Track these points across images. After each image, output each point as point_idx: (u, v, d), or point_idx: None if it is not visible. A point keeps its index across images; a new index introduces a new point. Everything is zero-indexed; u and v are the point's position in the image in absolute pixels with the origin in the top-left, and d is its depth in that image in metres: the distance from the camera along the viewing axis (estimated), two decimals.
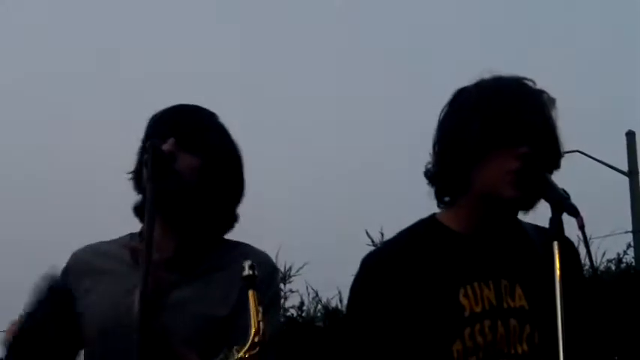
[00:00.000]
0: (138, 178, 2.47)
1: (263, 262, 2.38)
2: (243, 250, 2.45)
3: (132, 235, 2.51)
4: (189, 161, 2.39)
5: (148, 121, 2.50)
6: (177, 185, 2.36)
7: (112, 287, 2.39)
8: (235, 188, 2.49)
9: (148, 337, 2.18)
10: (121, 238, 2.52)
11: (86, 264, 2.47)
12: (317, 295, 11.81)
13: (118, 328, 2.30)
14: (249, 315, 2.05)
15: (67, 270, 2.50)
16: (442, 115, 2.43)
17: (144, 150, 2.41)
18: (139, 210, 2.48)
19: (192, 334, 2.30)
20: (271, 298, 2.37)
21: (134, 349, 2.12)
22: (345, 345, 2.38)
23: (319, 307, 12.39)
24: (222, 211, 2.47)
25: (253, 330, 2.04)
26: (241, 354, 2.05)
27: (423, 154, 2.46)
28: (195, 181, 2.39)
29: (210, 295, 2.37)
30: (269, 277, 2.40)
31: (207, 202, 2.42)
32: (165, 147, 2.35)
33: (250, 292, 2.05)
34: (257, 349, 2.05)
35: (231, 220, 2.50)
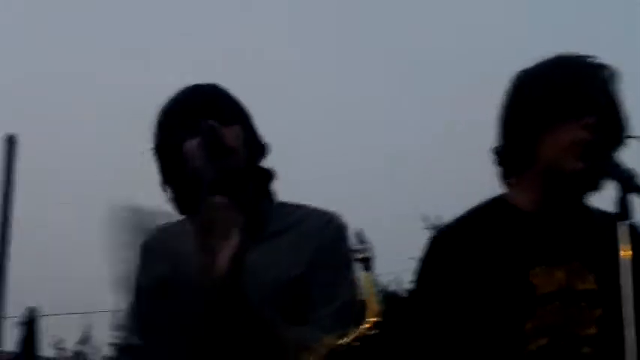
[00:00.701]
0: (173, 168, 2.44)
1: (331, 221, 2.41)
2: (308, 210, 2.46)
3: (184, 218, 2.51)
4: (232, 135, 2.41)
5: (161, 110, 2.48)
6: (236, 162, 2.39)
7: (185, 261, 2.39)
8: (266, 151, 2.51)
9: (232, 301, 2.23)
10: (185, 217, 2.52)
11: (159, 245, 2.50)
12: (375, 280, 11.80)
13: (196, 297, 2.31)
14: (365, 296, 2.06)
15: (140, 253, 2.54)
16: (506, 93, 2.42)
17: (189, 134, 2.40)
18: (183, 199, 2.47)
19: (265, 298, 2.30)
20: (345, 256, 2.32)
21: (215, 313, 2.21)
22: (410, 322, 2.39)
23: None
24: (265, 174, 2.49)
25: (372, 312, 2.04)
26: (361, 331, 2.06)
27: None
28: (245, 153, 2.43)
29: (279, 258, 2.37)
30: (340, 235, 2.40)
31: (254, 169, 2.46)
32: (213, 125, 2.37)
33: (365, 275, 2.05)
34: (372, 328, 2.06)
35: (274, 181, 2.50)
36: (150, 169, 2.49)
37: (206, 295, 2.22)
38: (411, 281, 2.49)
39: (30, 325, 18.58)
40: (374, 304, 2.06)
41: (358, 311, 2.08)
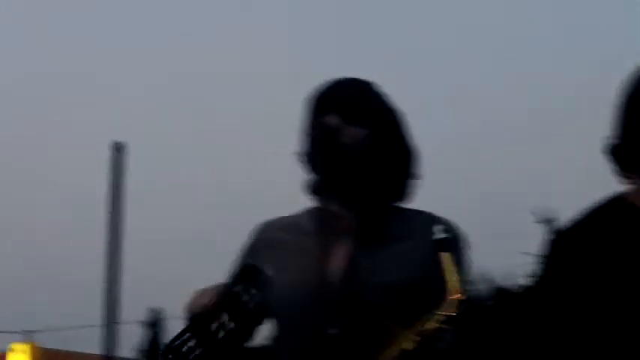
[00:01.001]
0: (308, 157, 2.50)
1: (449, 228, 2.40)
2: (426, 217, 2.46)
3: (308, 210, 2.54)
4: (354, 133, 2.42)
5: (309, 99, 2.53)
6: (344, 157, 2.40)
7: (298, 259, 2.43)
8: (404, 154, 2.51)
9: (346, 304, 2.29)
10: (298, 213, 2.56)
11: (268, 239, 2.51)
12: (485, 274, 11.67)
13: (308, 297, 2.35)
14: (446, 276, 2.13)
15: (250, 247, 2.55)
16: (626, 88, 2.36)
17: (312, 128, 2.48)
18: (313, 188, 2.51)
19: (381, 302, 2.33)
20: (462, 262, 2.37)
21: (327, 316, 2.28)
22: (532, 319, 2.36)
23: (486, 286, 12.26)
24: (394, 178, 2.50)
25: (452, 290, 2.11)
26: (441, 312, 2.12)
27: None
28: (361, 152, 2.43)
29: (396, 263, 2.39)
30: (457, 242, 2.41)
31: (377, 171, 2.46)
32: (331, 122, 2.41)
33: (445, 255, 2.14)
34: (456, 307, 2.13)
35: (408, 186, 2.51)
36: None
37: (320, 299, 2.28)
38: (527, 277, 2.47)
39: (154, 326, 18.65)
40: (455, 284, 2.12)
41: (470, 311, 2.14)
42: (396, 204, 2.49)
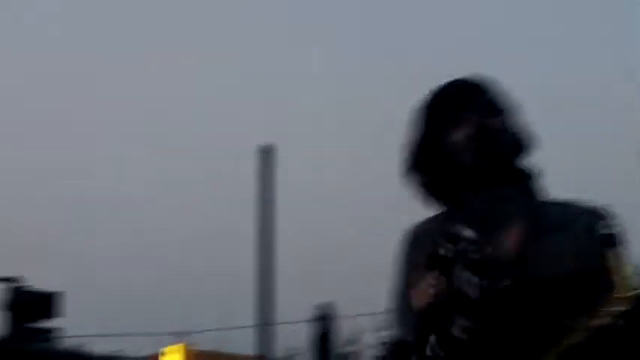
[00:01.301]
0: (435, 158, 2.41)
1: (602, 215, 2.31)
2: (576, 205, 2.36)
3: (446, 210, 2.43)
4: (498, 123, 2.38)
5: (423, 103, 2.46)
6: (503, 153, 2.37)
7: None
8: (527, 138, 2.42)
9: (514, 298, 2.21)
10: (439, 214, 2.44)
11: (421, 241, 2.40)
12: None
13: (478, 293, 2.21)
14: (615, 272, 2.14)
15: (406, 251, 2.44)
16: None
17: (453, 133, 2.38)
18: (443, 189, 2.42)
19: (548, 295, 2.23)
20: (626, 258, 2.27)
21: (499, 310, 2.19)
22: None
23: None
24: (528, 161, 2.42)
25: (621, 285, 2.09)
26: (612, 307, 2.09)
27: None
28: (511, 139, 2.38)
29: (555, 253, 2.27)
30: (620, 236, 2.30)
31: (521, 157, 2.40)
32: (475, 120, 2.37)
33: (612, 251, 2.13)
34: (628, 304, 2.10)
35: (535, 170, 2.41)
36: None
37: (490, 283, 2.19)
38: None
39: (324, 321, 15.42)
40: (625, 280, 2.09)
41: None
42: (537, 195, 2.38)
